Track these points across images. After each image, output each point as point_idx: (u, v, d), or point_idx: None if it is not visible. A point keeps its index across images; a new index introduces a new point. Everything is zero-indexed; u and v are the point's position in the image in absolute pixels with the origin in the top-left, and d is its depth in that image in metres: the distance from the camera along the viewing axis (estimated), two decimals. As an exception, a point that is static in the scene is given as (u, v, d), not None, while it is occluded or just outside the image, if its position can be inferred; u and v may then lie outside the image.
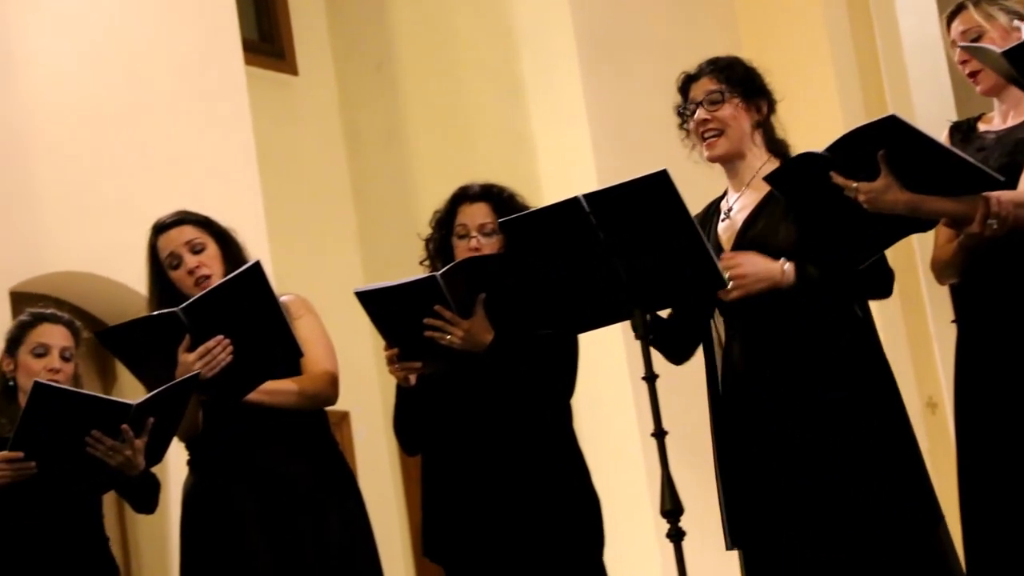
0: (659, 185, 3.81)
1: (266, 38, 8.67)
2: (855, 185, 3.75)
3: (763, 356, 3.95)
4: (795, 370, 3.92)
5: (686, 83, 4.16)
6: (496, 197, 4.34)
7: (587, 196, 3.87)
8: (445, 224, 4.38)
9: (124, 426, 4.08)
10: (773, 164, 4.06)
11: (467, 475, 4.21)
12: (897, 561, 3.82)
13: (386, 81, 8.75)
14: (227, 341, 4.17)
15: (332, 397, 4.43)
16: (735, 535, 3.99)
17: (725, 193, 4.19)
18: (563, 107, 8.05)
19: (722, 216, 4.13)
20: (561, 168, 7.94)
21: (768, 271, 3.92)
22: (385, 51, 8.76)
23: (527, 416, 4.22)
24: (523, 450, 4.20)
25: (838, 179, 3.76)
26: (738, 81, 4.12)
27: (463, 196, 4.37)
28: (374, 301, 4.08)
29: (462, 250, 4.30)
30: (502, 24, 8.28)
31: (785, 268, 3.92)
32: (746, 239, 4.01)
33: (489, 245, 4.27)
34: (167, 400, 4.14)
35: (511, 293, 4.10)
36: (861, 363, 3.94)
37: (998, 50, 3.62)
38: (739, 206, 4.10)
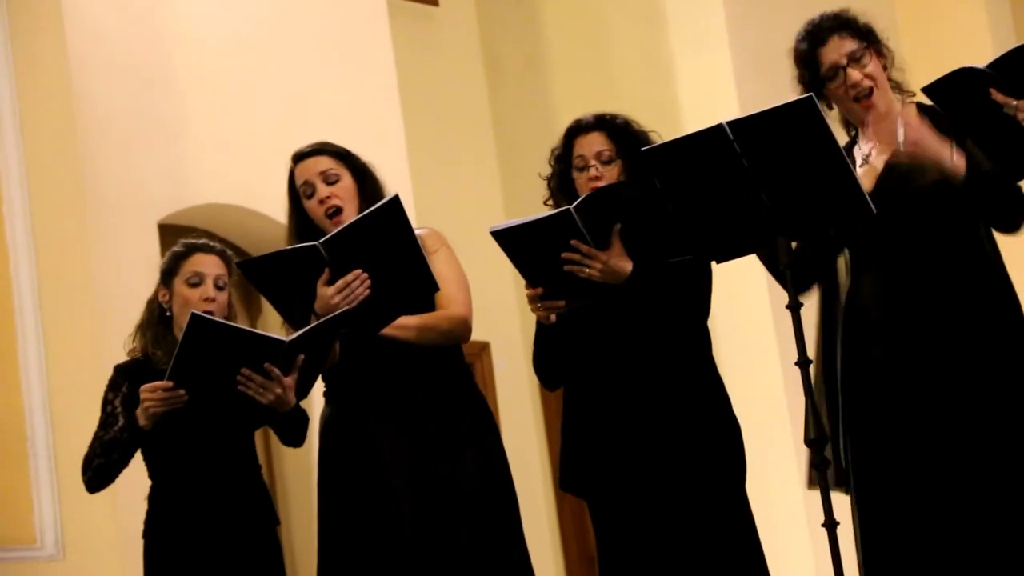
0: (805, 112, 3.77)
1: (407, -30, 8.69)
2: (1016, 103, 3.68)
3: (896, 302, 3.92)
4: (928, 319, 3.90)
5: (811, 49, 4.10)
6: (610, 124, 4.31)
7: (731, 123, 3.83)
8: (563, 159, 4.35)
9: (268, 365, 4.12)
10: (908, 106, 4.01)
11: (607, 406, 4.20)
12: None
13: (525, 11, 8.73)
14: (365, 275, 4.19)
15: (466, 334, 4.43)
16: (851, 478, 3.98)
17: (854, 142, 4.14)
18: (704, 34, 7.98)
19: (860, 162, 4.09)
20: (702, 96, 7.88)
21: (941, 150, 3.89)
22: (525, -19, 8.73)
23: (667, 345, 4.20)
24: (663, 379, 4.18)
25: (998, 96, 3.69)
26: (866, 34, 4.08)
27: (577, 128, 4.34)
28: (510, 239, 4.07)
29: (583, 181, 4.27)
30: (642, -49, 8.21)
31: (956, 158, 3.89)
32: (892, 179, 3.96)
33: (609, 173, 4.24)
34: (317, 337, 4.18)
35: (646, 222, 4.07)
36: (995, 313, 3.91)
37: None
38: (877, 152, 4.05)
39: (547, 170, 4.40)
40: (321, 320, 4.15)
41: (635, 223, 4.09)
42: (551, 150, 4.39)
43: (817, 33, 4.11)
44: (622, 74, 8.23)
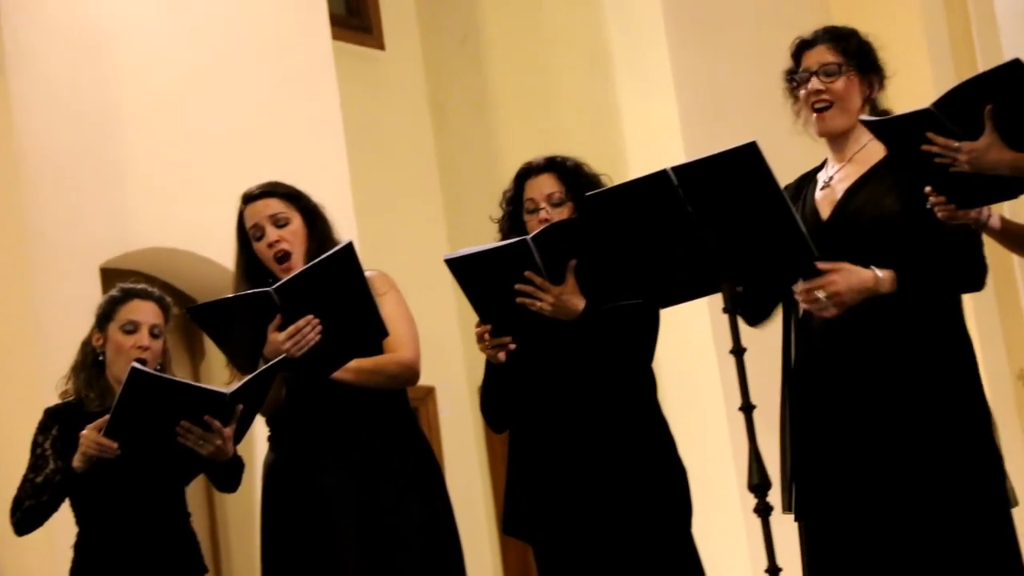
0: (748, 157, 3.77)
1: (353, 12, 8.69)
2: (957, 145, 3.70)
3: (842, 332, 3.90)
4: (875, 350, 3.87)
5: (800, 49, 4.10)
6: (560, 167, 4.32)
7: (676, 169, 3.84)
8: (514, 201, 4.37)
9: (208, 417, 4.09)
10: (878, 143, 4.01)
11: (553, 450, 4.19)
12: (962, 545, 3.75)
13: (472, 54, 8.74)
14: (317, 321, 4.18)
15: (413, 378, 4.43)
16: (801, 509, 3.95)
17: (823, 165, 4.14)
18: (650, 79, 8.00)
19: (820, 185, 4.08)
20: (648, 141, 7.90)
21: (862, 282, 3.83)
22: (471, 24, 8.75)
23: (612, 388, 4.20)
24: (609, 423, 4.18)
25: (938, 140, 3.71)
26: (855, 54, 4.07)
27: (528, 171, 4.36)
28: (464, 268, 4.07)
29: (533, 224, 4.27)
30: (588, -6, 8.24)
31: (880, 275, 3.84)
32: (849, 207, 3.96)
33: (559, 215, 4.25)
34: (257, 386, 4.16)
35: (601, 261, 4.06)
36: (943, 345, 3.90)
37: None
38: (840, 176, 4.05)
39: (494, 211, 4.41)
40: (260, 370, 4.13)
41: (591, 261, 4.09)
42: (503, 192, 4.39)
43: (812, 38, 4.12)
44: (568, 118, 8.24)
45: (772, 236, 3.83)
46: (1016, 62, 3.62)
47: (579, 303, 4.08)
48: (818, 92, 4.03)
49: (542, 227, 4.16)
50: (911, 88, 7.67)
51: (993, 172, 3.71)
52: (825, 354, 3.93)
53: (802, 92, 4.06)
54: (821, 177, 4.10)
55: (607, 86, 8.16)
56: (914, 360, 3.86)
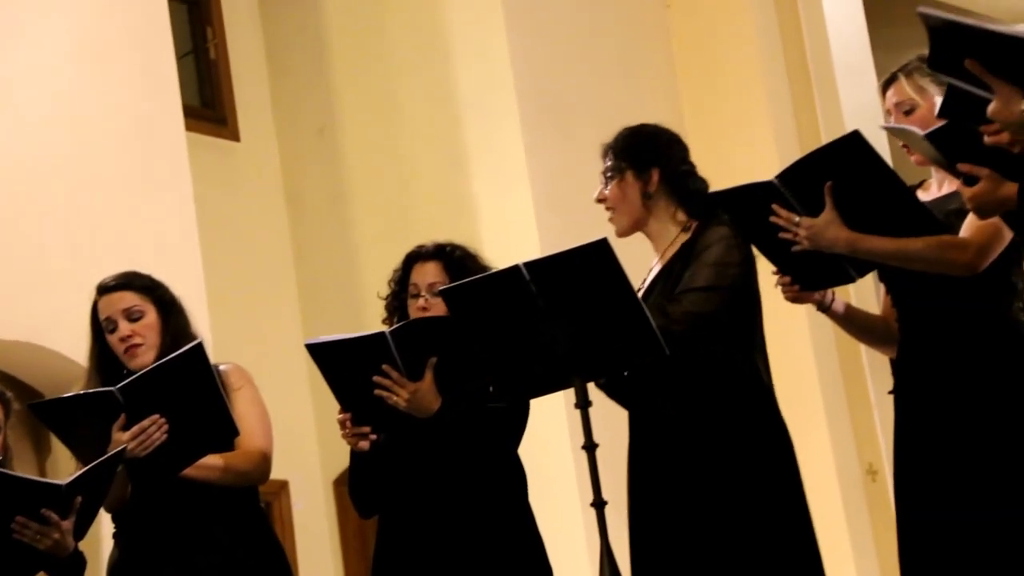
0: (599, 254, 3.81)
1: (208, 104, 8.66)
2: (797, 219, 3.75)
3: (654, 427, 4.03)
4: (692, 444, 4.00)
5: (604, 156, 4.27)
6: (447, 256, 4.33)
7: (527, 264, 3.87)
8: (400, 283, 4.37)
9: (45, 511, 3.99)
10: (686, 235, 4.12)
11: (417, 540, 4.17)
12: None
13: (328, 146, 8.74)
14: (162, 420, 4.12)
15: (264, 477, 4.38)
16: None
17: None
18: (505, 172, 8.05)
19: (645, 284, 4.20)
20: (503, 233, 7.93)
21: None
22: (327, 116, 8.75)
23: (479, 480, 4.18)
24: (473, 514, 4.16)
25: (780, 212, 3.76)
26: (624, 155, 4.20)
27: (416, 256, 4.36)
28: (324, 355, 4.05)
29: (413, 310, 4.28)
30: (444, 88, 8.29)
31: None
32: (647, 305, 4.05)
33: (437, 304, 4.25)
34: (95, 477, 4.08)
35: (461, 358, 4.07)
36: (759, 432, 4.02)
37: (920, 133, 3.53)
38: (653, 274, 4.16)
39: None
40: (99, 460, 4.05)
41: (452, 358, 4.08)
42: (393, 271, 4.38)
43: (606, 147, 4.26)
44: (424, 210, 8.26)
45: (623, 331, 3.85)
46: (855, 134, 3.68)
47: (434, 402, 4.07)
48: (602, 200, 4.17)
49: (404, 321, 4.17)
50: (758, 168, 7.84)
51: (831, 250, 3.75)
52: (643, 450, 4.06)
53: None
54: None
55: (463, 178, 8.20)
56: (734, 464, 3.99)
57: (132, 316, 4.38)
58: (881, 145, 8.13)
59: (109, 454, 4.04)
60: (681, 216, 4.20)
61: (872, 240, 3.74)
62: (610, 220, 4.19)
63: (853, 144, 3.67)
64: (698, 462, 4.01)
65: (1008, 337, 3.86)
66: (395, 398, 4.03)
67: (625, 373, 4.01)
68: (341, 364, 4.05)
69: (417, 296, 4.28)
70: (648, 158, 4.20)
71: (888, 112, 4.05)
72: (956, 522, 3.82)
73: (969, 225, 3.78)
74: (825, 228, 3.72)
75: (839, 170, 3.70)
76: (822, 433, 7.59)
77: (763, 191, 3.78)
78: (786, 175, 3.77)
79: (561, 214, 7.85)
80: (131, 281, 4.45)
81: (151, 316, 4.40)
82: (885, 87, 4.05)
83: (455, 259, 4.32)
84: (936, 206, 3.93)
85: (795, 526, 4.01)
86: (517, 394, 4.10)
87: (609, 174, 4.21)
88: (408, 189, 8.41)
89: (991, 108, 3.03)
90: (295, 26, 8.86)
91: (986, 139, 3.11)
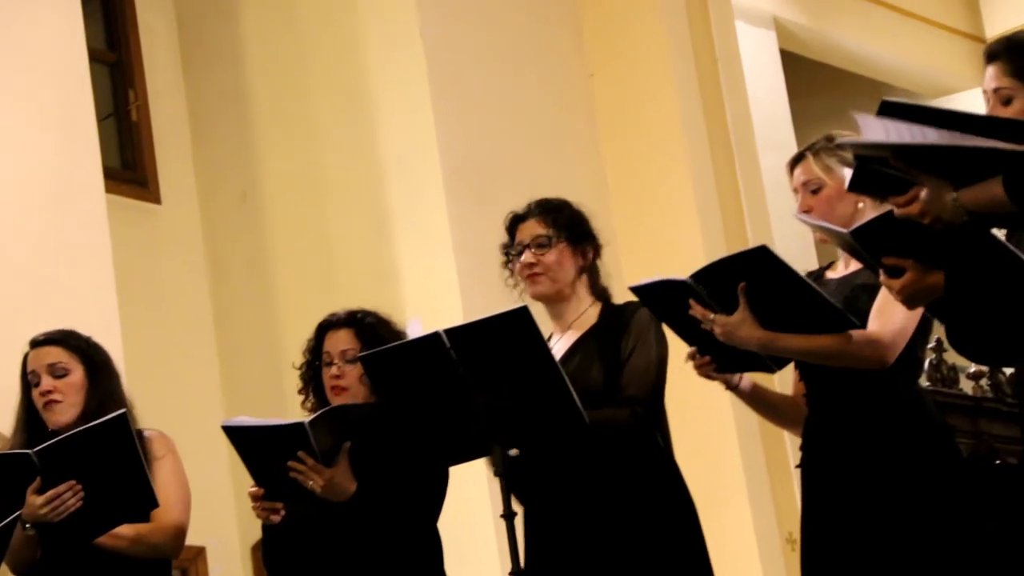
0: (519, 322, 3.81)
1: (129, 166, 8.60)
2: (712, 317, 3.79)
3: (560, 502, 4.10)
4: (599, 511, 4.06)
5: (514, 223, 4.28)
6: (359, 323, 4.34)
7: (448, 331, 3.88)
8: (314, 352, 4.37)
9: None
10: (596, 308, 4.15)
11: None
12: None
13: (251, 210, 8.70)
14: (79, 486, 4.08)
15: (176, 550, 4.35)
16: None
17: (550, 337, 4.23)
18: (429, 238, 8.05)
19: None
20: (427, 300, 7.92)
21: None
22: (250, 180, 8.72)
23: (394, 556, 4.17)
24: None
25: (696, 308, 3.80)
26: (565, 225, 4.23)
27: (328, 323, 4.38)
28: (240, 437, 4.05)
29: (327, 378, 4.28)
30: (368, 155, 8.29)
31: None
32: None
33: (351, 371, 4.27)
34: None
35: (377, 442, 4.07)
36: (665, 500, 4.08)
37: (845, 231, 3.52)
38: (559, 348, 4.16)
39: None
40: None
41: (367, 443, 4.07)
42: (307, 340, 4.38)
43: (525, 212, 4.33)
44: (347, 275, 8.23)
45: (542, 400, 3.86)
46: (762, 248, 3.74)
47: (350, 486, 4.09)
48: (531, 265, 4.19)
49: (331, 387, 4.17)
50: (682, 250, 7.89)
51: (744, 347, 3.80)
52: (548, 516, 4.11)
53: (517, 265, 4.21)
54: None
55: (386, 244, 8.19)
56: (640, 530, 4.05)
57: (56, 372, 4.37)
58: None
59: (10, 517, 3.99)
60: (588, 296, 4.25)
61: (785, 339, 3.81)
62: (534, 283, 4.20)
63: (761, 256, 3.74)
64: (602, 533, 4.03)
65: (910, 410, 3.91)
66: (310, 483, 4.03)
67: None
68: (257, 447, 4.06)
69: (330, 364, 4.29)
70: (585, 234, 4.24)
71: (795, 190, 4.09)
72: None
73: (878, 314, 3.83)
74: (738, 327, 3.79)
75: (750, 274, 3.76)
76: (742, 501, 7.60)
77: (678, 288, 3.83)
78: (700, 275, 3.83)
79: (485, 281, 7.82)
80: (64, 338, 4.44)
81: (77, 375, 4.38)
82: (793, 165, 4.10)
83: (366, 325, 4.34)
84: (845, 282, 4.00)
85: None
86: (436, 461, 4.10)
87: (547, 241, 4.22)
88: (331, 255, 8.39)
89: (922, 202, 3.06)
90: (218, 89, 8.84)
91: (896, 211, 3.14)
